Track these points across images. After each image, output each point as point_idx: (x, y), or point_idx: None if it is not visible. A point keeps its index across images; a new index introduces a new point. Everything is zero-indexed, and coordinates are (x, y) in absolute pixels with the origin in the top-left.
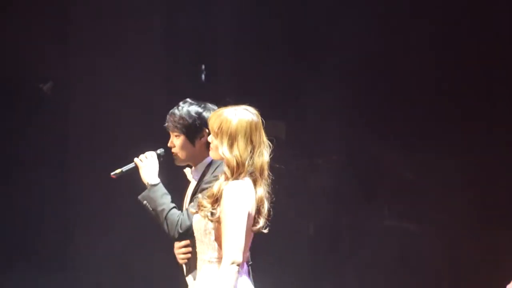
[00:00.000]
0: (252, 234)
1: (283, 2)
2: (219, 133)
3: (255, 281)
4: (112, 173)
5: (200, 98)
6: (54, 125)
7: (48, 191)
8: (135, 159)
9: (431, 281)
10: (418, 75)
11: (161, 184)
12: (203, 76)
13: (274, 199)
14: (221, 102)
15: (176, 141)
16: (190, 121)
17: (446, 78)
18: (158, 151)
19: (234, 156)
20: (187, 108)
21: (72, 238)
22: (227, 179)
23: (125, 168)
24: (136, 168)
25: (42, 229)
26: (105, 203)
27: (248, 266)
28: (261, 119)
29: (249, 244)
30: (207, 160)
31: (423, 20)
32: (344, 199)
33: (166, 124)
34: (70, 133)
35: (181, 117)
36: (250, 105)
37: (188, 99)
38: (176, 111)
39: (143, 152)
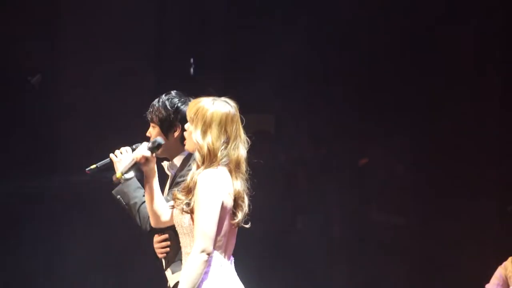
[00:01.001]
0: (235, 229)
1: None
2: (195, 119)
3: (240, 276)
4: (86, 169)
5: (189, 92)
6: (41, 119)
7: (39, 188)
8: (111, 155)
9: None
10: (415, 75)
11: (135, 179)
12: (191, 70)
13: (253, 193)
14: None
15: (153, 132)
16: (165, 114)
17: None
18: (134, 146)
19: (206, 143)
20: (166, 101)
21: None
22: (198, 167)
23: (100, 164)
24: (111, 164)
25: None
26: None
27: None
28: (240, 116)
29: (233, 238)
30: (183, 154)
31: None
32: (334, 192)
33: (146, 113)
34: (57, 128)
35: (158, 109)
36: (239, 99)
37: (172, 92)
38: (155, 102)
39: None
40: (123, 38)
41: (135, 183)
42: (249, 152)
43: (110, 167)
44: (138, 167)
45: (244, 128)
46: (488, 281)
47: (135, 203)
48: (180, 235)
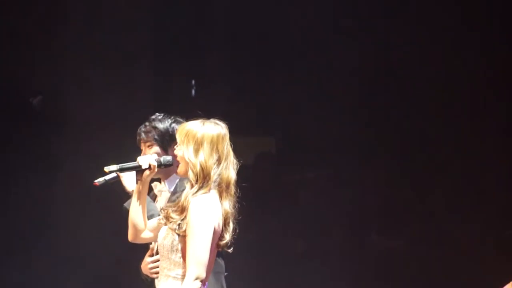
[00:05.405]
0: (215, 250)
1: (280, 17)
2: (185, 140)
3: None
4: (95, 181)
5: (190, 113)
6: (43, 136)
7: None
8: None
9: None
10: (420, 91)
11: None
12: (193, 91)
13: (239, 217)
14: (210, 116)
15: (149, 151)
16: (162, 130)
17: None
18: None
19: (199, 161)
20: (158, 119)
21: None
22: (192, 186)
23: (107, 177)
24: (118, 178)
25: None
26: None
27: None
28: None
29: (213, 259)
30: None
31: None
32: (334, 215)
33: (138, 137)
34: (58, 145)
35: (153, 127)
36: (238, 120)
37: (157, 113)
38: (147, 123)
39: None
40: (124, 58)
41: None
42: (238, 175)
43: (117, 181)
44: (136, 173)
45: (246, 149)
46: None
47: (152, 215)
48: (161, 257)
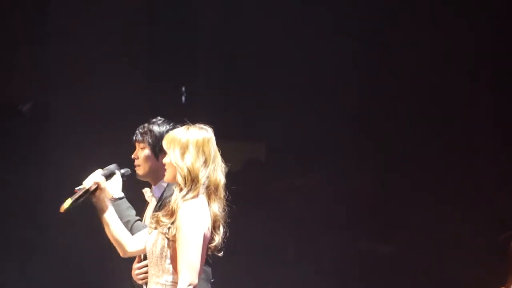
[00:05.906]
0: (205, 255)
1: (280, 17)
2: (171, 145)
3: None
4: (60, 209)
5: (188, 114)
6: (42, 135)
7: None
8: (85, 183)
9: None
10: (409, 96)
11: (125, 199)
12: (183, 98)
13: (229, 221)
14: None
15: (141, 153)
16: (157, 134)
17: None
18: (123, 170)
19: (186, 164)
20: (157, 123)
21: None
22: (181, 189)
23: (73, 198)
24: (87, 194)
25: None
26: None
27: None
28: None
29: (202, 265)
30: None
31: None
32: (325, 222)
33: (134, 137)
34: (48, 155)
35: (150, 130)
36: (229, 128)
37: (159, 117)
38: (146, 124)
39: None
40: (115, 66)
41: (126, 202)
42: (227, 178)
43: (88, 196)
44: (91, 195)
45: (236, 155)
46: None
47: (128, 221)
48: (150, 264)
